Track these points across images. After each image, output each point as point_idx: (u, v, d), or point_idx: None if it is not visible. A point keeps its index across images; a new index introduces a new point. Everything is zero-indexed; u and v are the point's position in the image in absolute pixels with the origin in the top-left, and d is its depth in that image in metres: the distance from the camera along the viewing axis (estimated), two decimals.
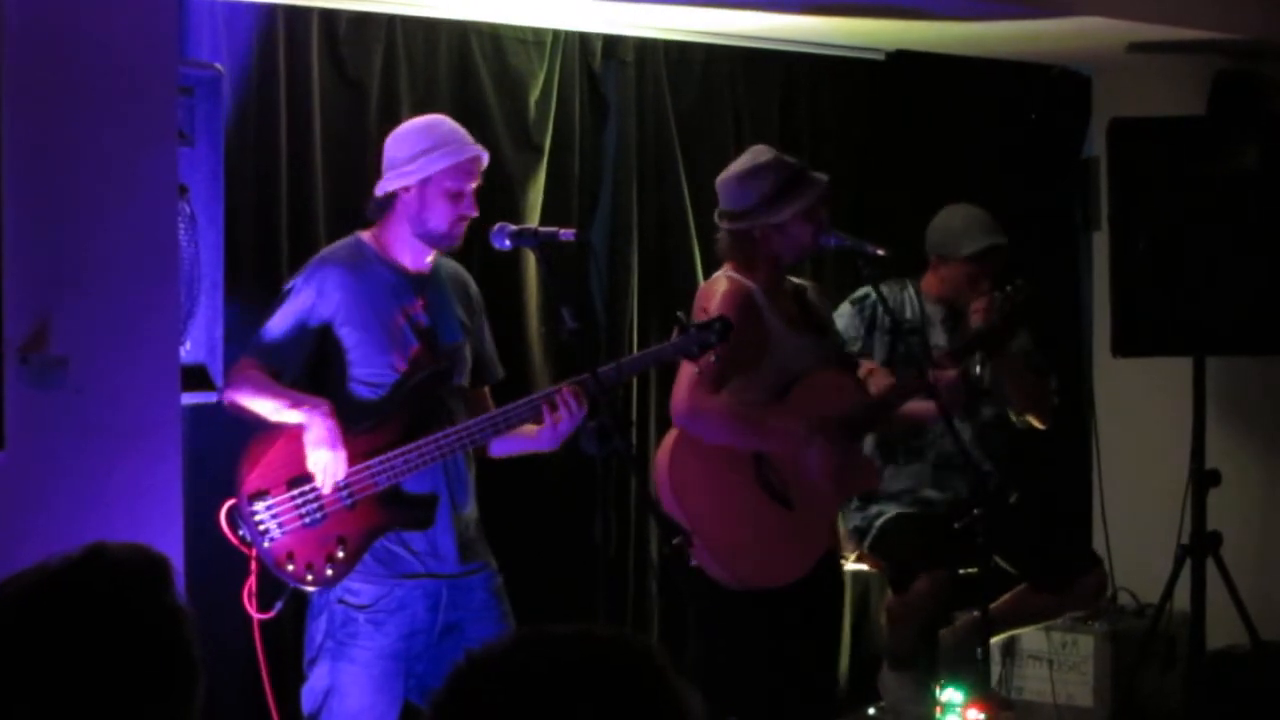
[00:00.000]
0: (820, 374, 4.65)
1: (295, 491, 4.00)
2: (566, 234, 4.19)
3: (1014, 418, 5.35)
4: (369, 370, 4.12)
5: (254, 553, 3.97)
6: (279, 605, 3.99)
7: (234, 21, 4.78)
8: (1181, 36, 5.87)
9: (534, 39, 5.44)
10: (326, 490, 3.98)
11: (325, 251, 4.26)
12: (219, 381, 4.15)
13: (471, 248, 4.36)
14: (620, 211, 5.65)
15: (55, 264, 3.71)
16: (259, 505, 3.98)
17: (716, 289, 4.63)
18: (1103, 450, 5.99)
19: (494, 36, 5.36)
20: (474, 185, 4.18)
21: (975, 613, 4.94)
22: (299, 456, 3.97)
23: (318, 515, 4.00)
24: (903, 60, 6.17)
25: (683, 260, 5.73)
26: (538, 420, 4.10)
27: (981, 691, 5.08)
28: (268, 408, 4.02)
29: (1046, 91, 6.55)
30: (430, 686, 4.08)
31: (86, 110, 3.75)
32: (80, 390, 3.72)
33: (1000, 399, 5.34)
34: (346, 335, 4.12)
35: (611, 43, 5.62)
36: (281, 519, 3.99)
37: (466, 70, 5.31)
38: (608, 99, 5.64)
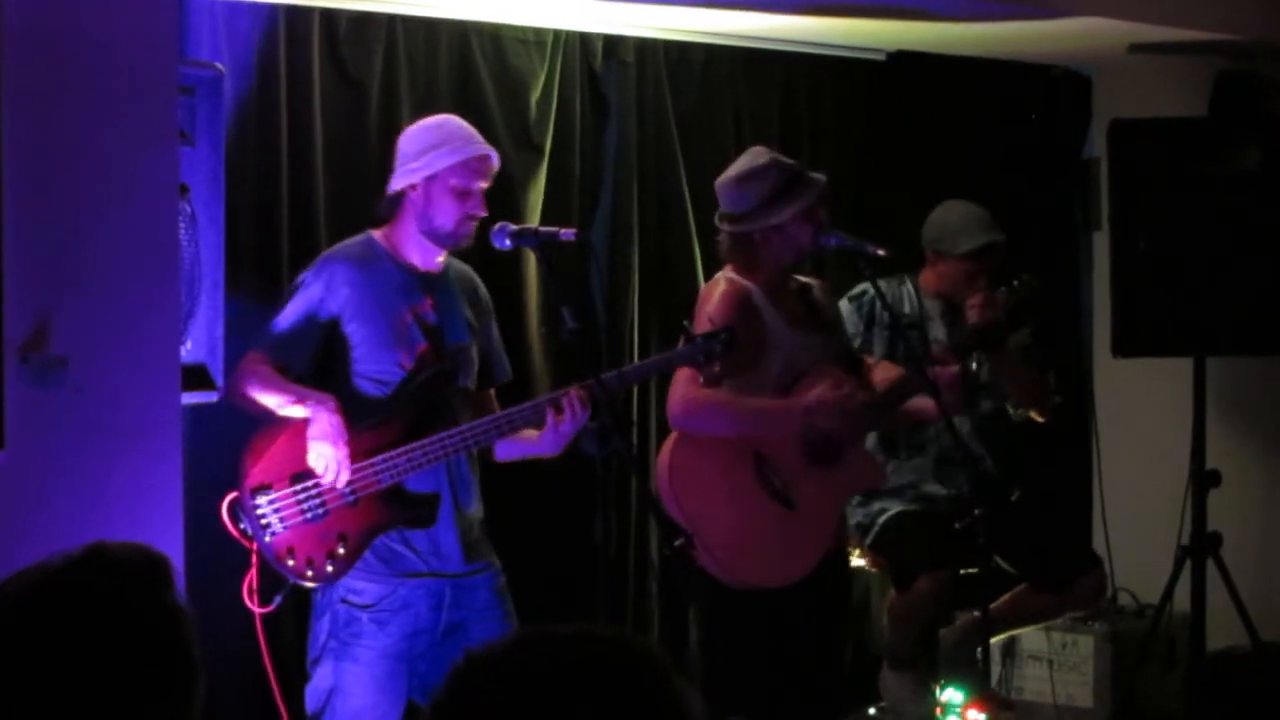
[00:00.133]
0: (822, 372, 4.65)
1: (298, 487, 4.00)
2: (567, 234, 4.19)
3: (1012, 411, 5.35)
4: (375, 366, 4.13)
5: (255, 546, 3.97)
6: (278, 600, 3.99)
7: (234, 21, 4.78)
8: (1182, 37, 5.87)
9: (534, 39, 5.44)
10: (329, 485, 3.98)
11: (336, 248, 4.27)
12: (219, 381, 4.15)
13: (472, 247, 4.36)
14: (620, 211, 5.65)
15: (55, 264, 3.71)
16: (261, 499, 3.99)
17: (715, 291, 4.65)
18: (1103, 450, 5.99)
19: (494, 36, 5.36)
20: (482, 185, 4.17)
21: (975, 613, 4.94)
22: (303, 452, 3.98)
23: (319, 511, 4.01)
24: (903, 60, 6.16)
25: (683, 260, 5.74)
26: (542, 423, 4.11)
27: (981, 691, 5.08)
28: (273, 402, 4.03)
29: (1047, 92, 6.55)
30: (433, 686, 4.08)
31: (87, 110, 3.75)
32: (80, 390, 3.72)
33: (999, 394, 5.34)
34: (353, 331, 4.12)
35: (612, 43, 5.62)
36: (283, 513, 3.99)
37: (467, 70, 5.31)
38: (608, 99, 5.64)
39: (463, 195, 4.14)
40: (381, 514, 4.06)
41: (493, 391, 4.37)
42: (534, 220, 5.17)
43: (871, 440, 5.19)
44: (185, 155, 4.03)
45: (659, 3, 5.31)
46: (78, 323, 3.72)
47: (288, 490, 4.00)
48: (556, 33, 5.48)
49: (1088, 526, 6.02)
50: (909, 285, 5.41)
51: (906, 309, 5.36)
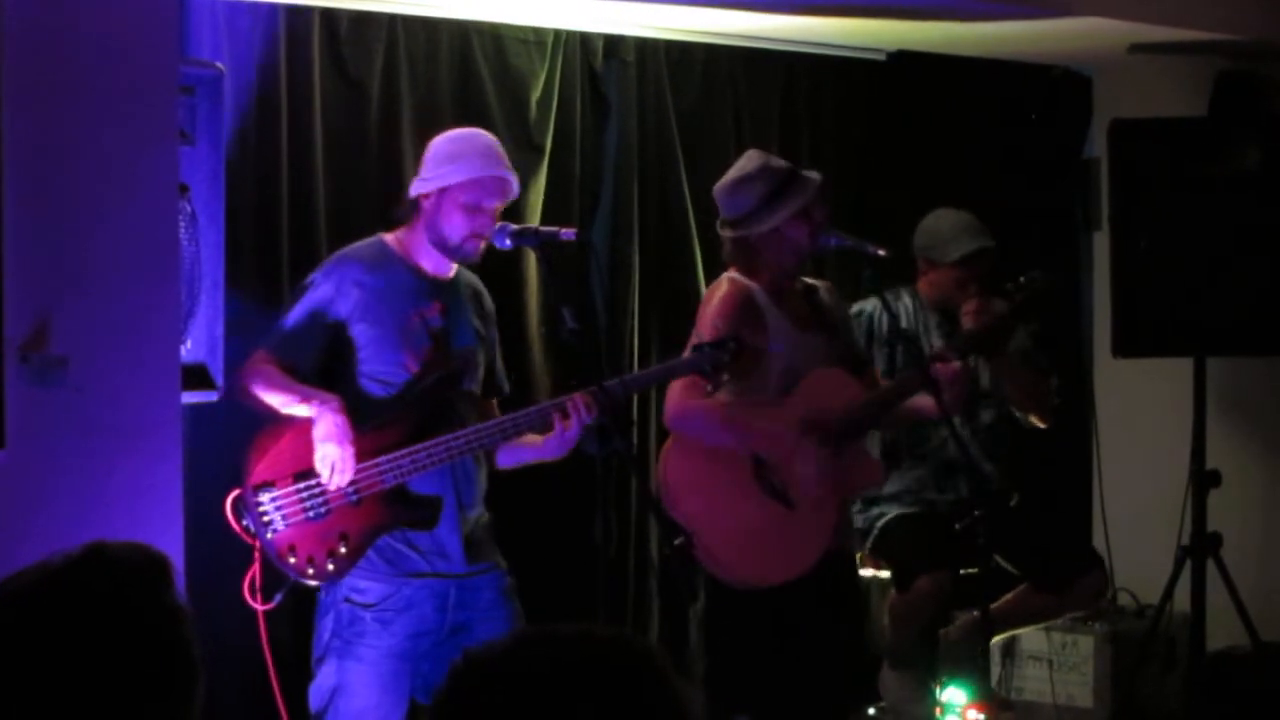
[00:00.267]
0: (823, 371, 4.65)
1: (301, 485, 4.01)
2: (567, 234, 4.20)
3: (1018, 414, 5.34)
4: (380, 367, 4.13)
5: (257, 543, 3.98)
6: (279, 597, 4.00)
7: (235, 21, 4.78)
8: (1183, 37, 5.87)
9: (535, 39, 5.44)
10: (332, 485, 3.99)
11: (348, 249, 4.27)
12: (219, 380, 4.16)
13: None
14: (621, 211, 5.65)
15: (55, 263, 3.71)
16: (264, 496, 4.00)
17: (716, 293, 4.66)
18: (1103, 450, 5.98)
19: (495, 36, 5.36)
20: (495, 205, 4.16)
21: (976, 613, 4.94)
22: (307, 450, 3.99)
23: (322, 510, 4.01)
24: (903, 60, 6.16)
25: (684, 260, 5.73)
26: (547, 428, 4.11)
27: (982, 692, 5.08)
28: (279, 401, 4.04)
29: (1047, 92, 6.55)
30: (436, 686, 4.08)
31: (87, 110, 3.75)
32: (81, 389, 3.72)
33: (1000, 399, 5.34)
34: (361, 332, 4.13)
35: (612, 42, 5.62)
36: (285, 511, 4.00)
37: (468, 70, 5.31)
38: (609, 99, 5.64)
39: (472, 212, 4.13)
40: (384, 514, 4.07)
41: (495, 401, 4.38)
42: (534, 220, 5.17)
43: (874, 450, 5.18)
44: (185, 155, 4.03)
45: (659, 2, 5.31)
46: (78, 323, 3.72)
47: (291, 488, 4.01)
48: (557, 32, 5.48)
49: (1088, 526, 6.02)
50: (906, 298, 5.40)
51: (904, 322, 5.34)
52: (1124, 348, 5.46)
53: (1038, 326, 5.37)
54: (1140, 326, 5.42)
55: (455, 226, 4.14)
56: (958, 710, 5.04)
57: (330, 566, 4.02)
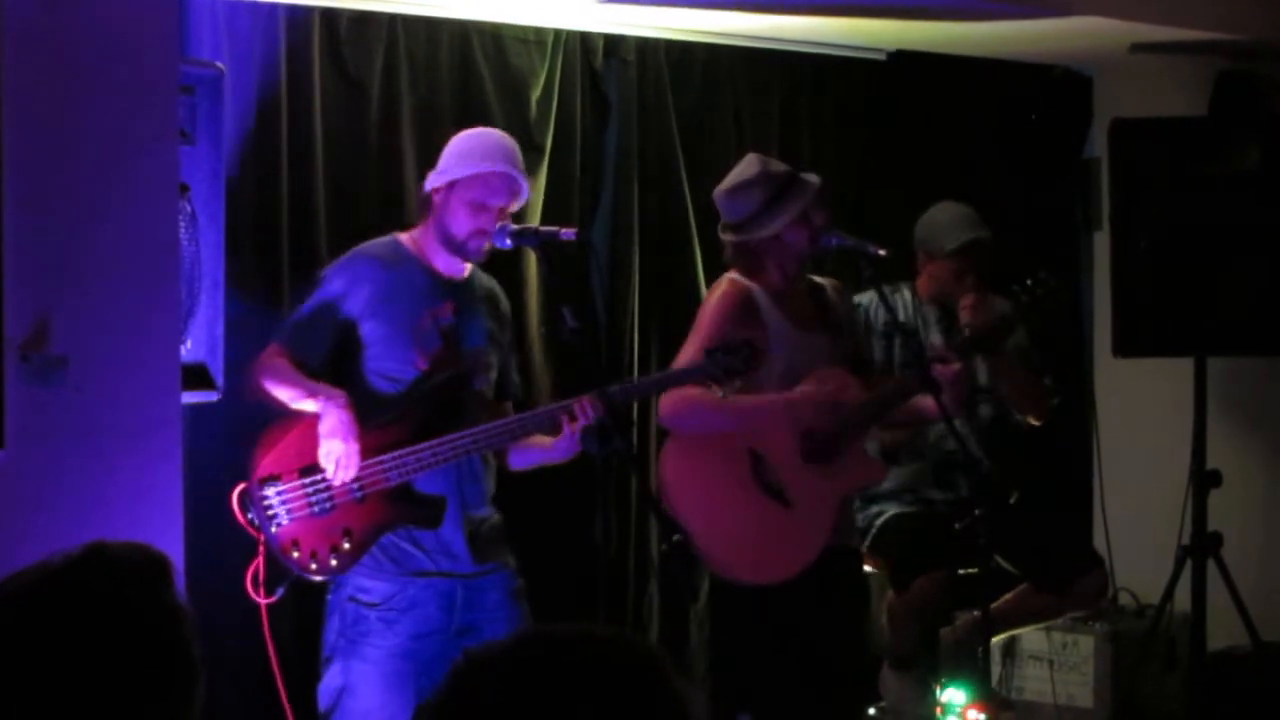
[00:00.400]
0: (824, 371, 4.65)
1: (306, 480, 4.02)
2: (567, 233, 4.20)
3: (1016, 413, 5.34)
4: (389, 364, 4.14)
5: (261, 537, 3.98)
6: (281, 591, 4.01)
7: (235, 20, 4.78)
8: (1183, 37, 5.87)
9: (535, 38, 5.44)
10: (337, 481, 3.99)
11: (362, 246, 4.29)
12: (219, 380, 4.16)
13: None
14: (621, 211, 5.65)
15: (55, 263, 3.71)
16: (269, 490, 4.01)
17: (715, 293, 4.68)
18: (1103, 450, 5.98)
19: (495, 36, 5.36)
20: (501, 204, 4.17)
21: (976, 613, 4.94)
22: (313, 445, 4.01)
23: (326, 505, 4.02)
24: (903, 60, 6.16)
25: (684, 260, 5.73)
26: (554, 430, 4.12)
27: (982, 692, 5.07)
28: (287, 395, 4.06)
29: (1047, 92, 6.54)
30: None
31: (87, 109, 3.75)
32: (81, 389, 3.72)
33: (999, 397, 5.33)
34: (371, 329, 4.14)
35: (613, 42, 5.61)
36: (290, 505, 4.02)
37: (468, 70, 5.31)
38: (609, 98, 5.64)
39: (477, 209, 4.14)
40: (388, 512, 4.07)
41: (509, 404, 4.38)
42: (534, 220, 5.16)
43: (873, 449, 5.17)
44: (185, 154, 4.03)
45: (660, 2, 5.31)
46: (78, 322, 3.72)
47: (296, 483, 4.02)
48: (557, 32, 5.48)
49: (1088, 526, 6.02)
50: (905, 293, 5.40)
51: (902, 317, 5.34)
52: (1124, 348, 5.46)
53: (1037, 325, 5.36)
54: (1140, 326, 5.42)
55: (460, 223, 4.15)
56: (958, 710, 5.04)
57: (333, 562, 4.02)
